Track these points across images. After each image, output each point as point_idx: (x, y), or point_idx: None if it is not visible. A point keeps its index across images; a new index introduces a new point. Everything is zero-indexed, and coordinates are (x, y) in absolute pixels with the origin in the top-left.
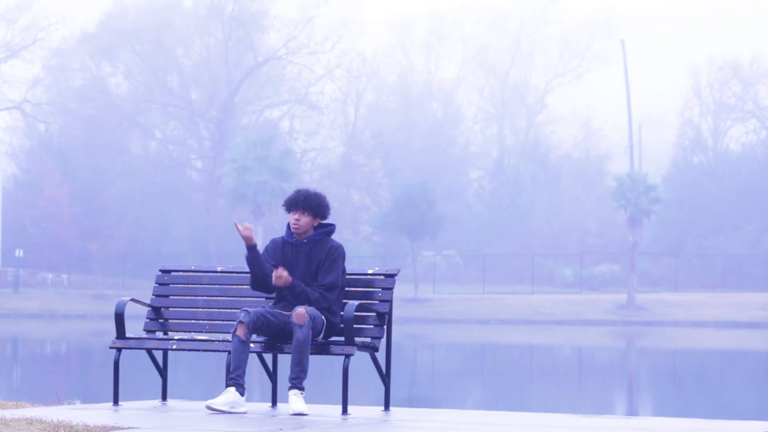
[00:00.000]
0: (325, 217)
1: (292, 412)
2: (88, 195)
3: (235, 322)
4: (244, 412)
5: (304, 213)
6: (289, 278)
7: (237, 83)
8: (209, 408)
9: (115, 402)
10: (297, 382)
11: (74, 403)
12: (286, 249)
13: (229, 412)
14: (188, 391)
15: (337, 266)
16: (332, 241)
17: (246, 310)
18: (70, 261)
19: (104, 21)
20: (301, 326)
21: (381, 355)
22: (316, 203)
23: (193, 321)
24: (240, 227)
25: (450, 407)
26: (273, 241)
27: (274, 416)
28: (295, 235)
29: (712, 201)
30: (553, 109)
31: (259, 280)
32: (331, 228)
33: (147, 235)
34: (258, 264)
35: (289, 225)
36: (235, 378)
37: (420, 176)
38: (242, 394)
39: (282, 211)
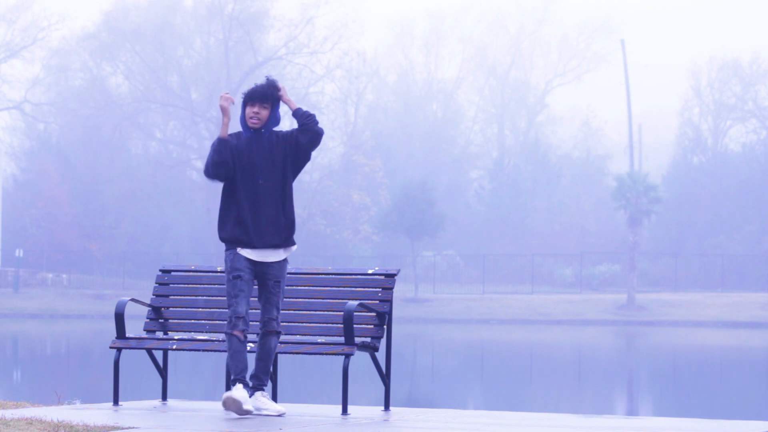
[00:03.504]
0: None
1: (276, 413)
2: (88, 195)
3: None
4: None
5: (263, 106)
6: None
7: (237, 83)
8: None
9: (115, 402)
10: (263, 386)
11: (74, 403)
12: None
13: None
14: (188, 391)
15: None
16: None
17: (239, 305)
18: (70, 261)
19: (104, 21)
20: (275, 335)
21: (381, 355)
22: (275, 94)
23: (193, 321)
24: (223, 99)
25: (450, 407)
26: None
27: (274, 416)
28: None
29: (712, 201)
30: (553, 109)
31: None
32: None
33: (147, 235)
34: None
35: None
36: (242, 377)
37: (420, 176)
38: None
39: None
